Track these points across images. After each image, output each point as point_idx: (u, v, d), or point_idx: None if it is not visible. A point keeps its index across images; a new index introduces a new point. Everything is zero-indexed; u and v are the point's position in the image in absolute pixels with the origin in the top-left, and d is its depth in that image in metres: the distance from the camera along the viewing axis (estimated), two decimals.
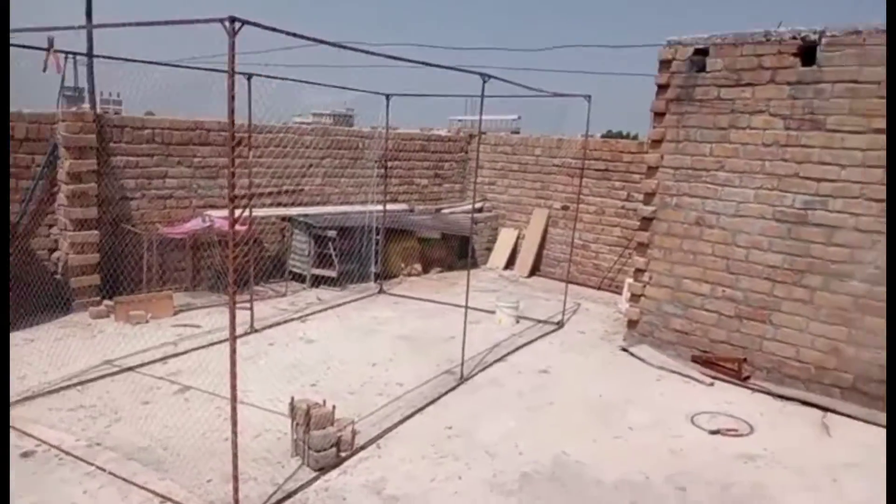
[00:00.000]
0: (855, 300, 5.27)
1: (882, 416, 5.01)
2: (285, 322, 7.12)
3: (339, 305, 7.87)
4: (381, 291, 8.50)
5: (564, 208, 10.02)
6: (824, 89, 5.40)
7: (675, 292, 6.41)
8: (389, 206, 9.20)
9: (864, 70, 5.19)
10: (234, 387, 3.50)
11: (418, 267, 9.60)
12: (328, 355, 6.11)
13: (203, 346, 6.12)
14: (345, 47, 4.66)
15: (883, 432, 4.83)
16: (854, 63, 5.24)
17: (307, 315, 7.43)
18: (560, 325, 7.35)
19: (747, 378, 5.73)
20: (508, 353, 6.28)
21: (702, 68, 6.13)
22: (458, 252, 10.04)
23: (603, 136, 14.25)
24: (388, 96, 8.18)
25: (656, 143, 6.51)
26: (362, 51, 4.81)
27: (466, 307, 5.78)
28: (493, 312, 7.43)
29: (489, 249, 10.75)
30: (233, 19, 3.17)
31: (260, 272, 8.23)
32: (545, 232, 10.21)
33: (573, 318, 7.59)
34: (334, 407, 4.24)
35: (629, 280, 8.29)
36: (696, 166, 6.21)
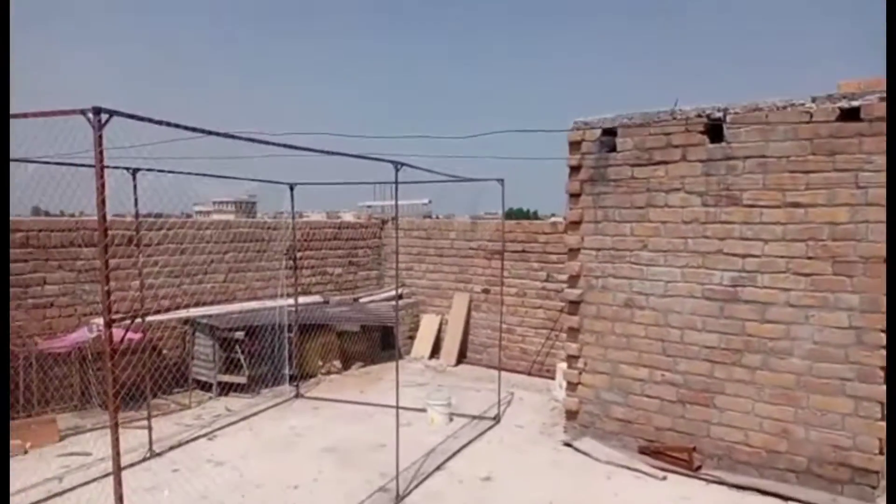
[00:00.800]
0: (797, 378, 5.14)
1: (842, 501, 4.82)
2: (190, 441, 6.31)
3: (251, 416, 7.11)
4: (298, 395, 7.78)
5: (485, 291, 9.76)
6: (736, 165, 5.44)
7: (612, 378, 6.14)
8: (302, 300, 8.61)
9: (770, 145, 5.26)
10: None
11: (338, 364, 8.96)
12: (242, 479, 5.38)
13: (94, 479, 5.28)
14: (235, 137, 4.25)
15: None
16: (760, 139, 5.31)
17: (216, 430, 6.63)
18: (496, 419, 6.89)
19: (699, 468, 5.45)
20: (446, 460, 5.74)
21: (612, 148, 6.11)
22: (381, 343, 9.51)
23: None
24: (291, 186, 7.77)
25: (575, 224, 6.37)
26: (259, 141, 4.41)
27: (398, 409, 5.23)
28: (423, 411, 6.89)
29: (412, 338, 10.26)
30: (98, 110, 2.72)
31: (159, 383, 7.39)
32: (468, 317, 9.87)
33: (508, 410, 7.16)
34: None
35: (561, 365, 8.02)
36: (619, 247, 6.08)
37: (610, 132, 6.12)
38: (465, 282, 10.01)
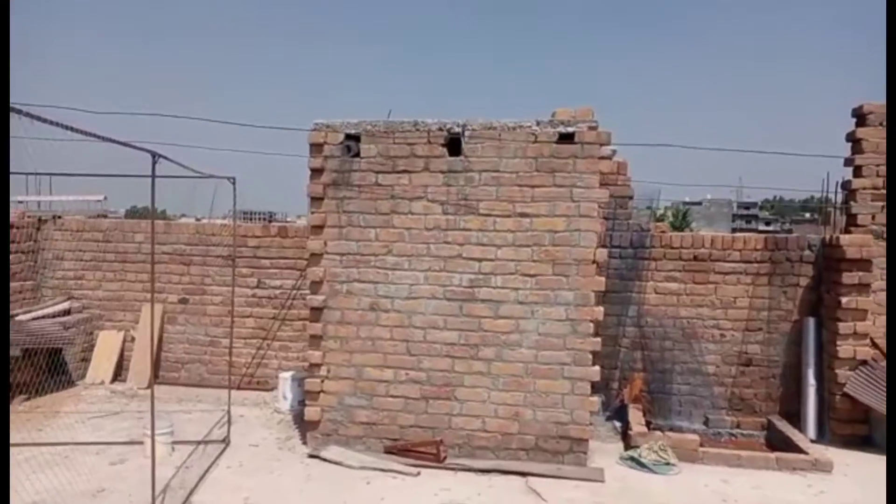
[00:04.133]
0: (526, 366, 5.85)
1: (567, 469, 5.63)
2: None
3: None
4: None
5: (183, 301, 8.80)
6: (473, 177, 5.96)
7: (356, 383, 6.12)
8: None
9: (503, 161, 5.91)
10: None
11: None
12: None
13: None
14: None
15: (574, 484, 5.42)
16: (494, 155, 5.93)
17: None
18: (226, 441, 6.25)
19: (444, 459, 5.78)
20: (189, 495, 5.00)
21: (357, 154, 6.14)
22: (50, 369, 7.81)
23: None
24: None
25: (318, 228, 6.22)
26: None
27: (154, 442, 4.42)
28: (138, 443, 5.90)
29: (86, 360, 8.68)
30: None
31: None
32: (161, 331, 8.76)
33: (234, 430, 6.53)
34: None
35: (283, 375, 7.73)
36: (364, 251, 6.13)
37: (354, 137, 6.12)
38: (156, 291, 8.86)
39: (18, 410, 7.15)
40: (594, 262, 5.79)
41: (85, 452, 5.79)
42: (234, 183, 6.42)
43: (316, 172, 6.19)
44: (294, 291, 8.50)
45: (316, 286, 6.18)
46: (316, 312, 6.18)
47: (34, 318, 8.13)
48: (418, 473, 5.57)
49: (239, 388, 8.41)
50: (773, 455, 6.15)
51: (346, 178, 6.13)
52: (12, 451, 5.71)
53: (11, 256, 8.71)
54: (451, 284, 5.99)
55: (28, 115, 3.40)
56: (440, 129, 6.01)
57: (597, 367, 5.84)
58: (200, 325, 8.77)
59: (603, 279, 5.89)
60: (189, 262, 8.82)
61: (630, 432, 6.33)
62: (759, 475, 5.80)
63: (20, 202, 9.98)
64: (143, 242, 8.94)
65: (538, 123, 5.88)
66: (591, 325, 5.80)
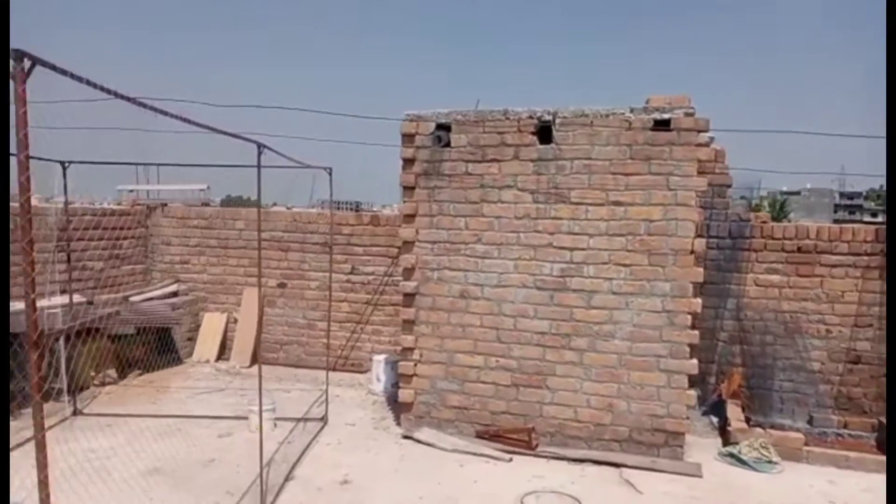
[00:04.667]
0: (619, 357, 5.78)
1: (662, 462, 5.54)
2: None
3: (22, 443, 5.68)
4: (76, 412, 6.49)
5: (281, 286, 9.21)
6: (564, 166, 5.91)
7: (448, 367, 6.24)
8: (61, 300, 7.20)
9: (595, 148, 5.82)
10: None
11: (112, 373, 7.69)
12: None
13: None
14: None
15: (669, 477, 5.33)
16: (586, 142, 5.84)
17: None
18: (324, 419, 6.54)
19: (536, 446, 5.81)
20: (292, 468, 5.27)
21: (447, 143, 6.21)
22: (159, 347, 8.39)
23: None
24: (64, 164, 6.50)
25: (410, 217, 6.34)
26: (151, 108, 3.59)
27: (261, 417, 4.68)
28: (242, 419, 6.26)
29: (192, 339, 9.25)
30: (21, 54, 1.98)
31: None
32: (262, 313, 9.20)
33: (331, 409, 6.82)
34: None
35: (377, 357, 7.96)
36: (454, 240, 6.21)
37: (444, 127, 6.19)
38: (256, 275, 9.32)
39: (135, 384, 7.73)
40: (692, 252, 5.63)
41: (196, 425, 6.19)
42: (330, 173, 6.65)
43: (408, 162, 6.31)
44: (386, 278, 8.72)
45: (408, 273, 6.32)
46: (409, 298, 6.33)
47: (146, 300, 8.73)
48: (510, 459, 5.63)
49: (334, 369, 8.73)
50: (885, 457, 5.80)
51: (437, 167, 6.21)
52: (132, 420, 6.21)
53: (125, 242, 9.40)
54: (541, 273, 5.97)
55: (153, 108, 3.67)
56: (530, 118, 5.98)
57: (694, 361, 5.70)
58: (298, 308, 9.15)
59: (701, 270, 5.72)
60: (287, 248, 9.20)
61: (729, 428, 6.13)
62: (869, 478, 5.50)
63: (130, 191, 10.69)
64: (244, 229, 9.41)
65: (632, 110, 5.75)
66: (689, 317, 5.66)
